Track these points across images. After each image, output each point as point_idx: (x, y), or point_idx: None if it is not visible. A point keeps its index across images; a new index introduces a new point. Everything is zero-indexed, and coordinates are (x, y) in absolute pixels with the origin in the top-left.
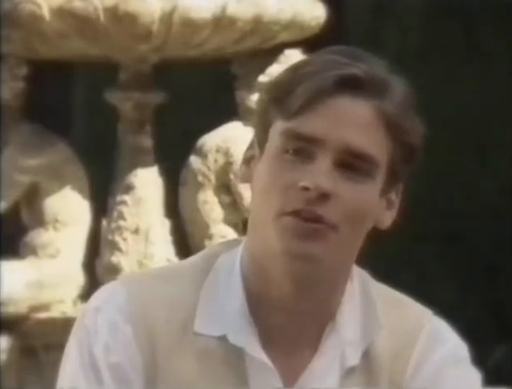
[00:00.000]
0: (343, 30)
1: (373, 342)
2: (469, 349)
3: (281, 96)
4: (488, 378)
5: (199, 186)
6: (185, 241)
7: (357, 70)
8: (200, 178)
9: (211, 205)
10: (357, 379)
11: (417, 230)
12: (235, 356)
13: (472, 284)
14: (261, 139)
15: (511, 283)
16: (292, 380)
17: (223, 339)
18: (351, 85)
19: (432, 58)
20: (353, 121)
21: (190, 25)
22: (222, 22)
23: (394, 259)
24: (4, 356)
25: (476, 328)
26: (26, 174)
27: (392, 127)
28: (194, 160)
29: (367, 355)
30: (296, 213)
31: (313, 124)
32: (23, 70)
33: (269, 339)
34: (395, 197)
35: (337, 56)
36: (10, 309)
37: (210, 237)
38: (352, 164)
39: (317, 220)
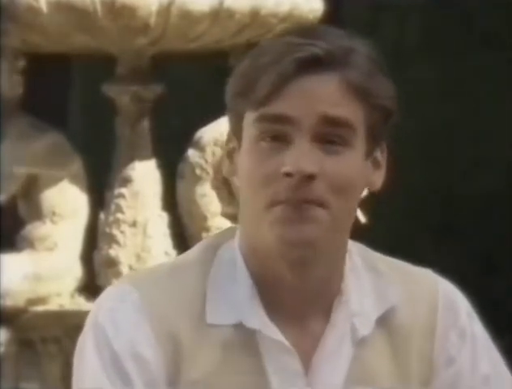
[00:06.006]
0: (340, 23)
1: (392, 309)
2: None
3: (246, 88)
4: None
5: (197, 179)
6: (183, 235)
7: (316, 48)
8: (198, 171)
9: (208, 198)
10: (377, 348)
11: (416, 220)
12: (251, 342)
13: (470, 275)
14: (237, 132)
15: (510, 275)
16: (306, 357)
17: (237, 326)
18: (312, 65)
19: (431, 51)
20: (321, 95)
21: (188, 18)
22: (220, 14)
23: (392, 249)
24: (2, 349)
25: None
26: (23, 167)
27: (360, 92)
28: (191, 154)
29: (385, 323)
30: (285, 202)
31: (283, 105)
32: (21, 63)
33: (280, 320)
34: (381, 156)
35: (293, 37)
36: (8, 303)
37: (207, 229)
38: (329, 135)
39: (306, 202)
